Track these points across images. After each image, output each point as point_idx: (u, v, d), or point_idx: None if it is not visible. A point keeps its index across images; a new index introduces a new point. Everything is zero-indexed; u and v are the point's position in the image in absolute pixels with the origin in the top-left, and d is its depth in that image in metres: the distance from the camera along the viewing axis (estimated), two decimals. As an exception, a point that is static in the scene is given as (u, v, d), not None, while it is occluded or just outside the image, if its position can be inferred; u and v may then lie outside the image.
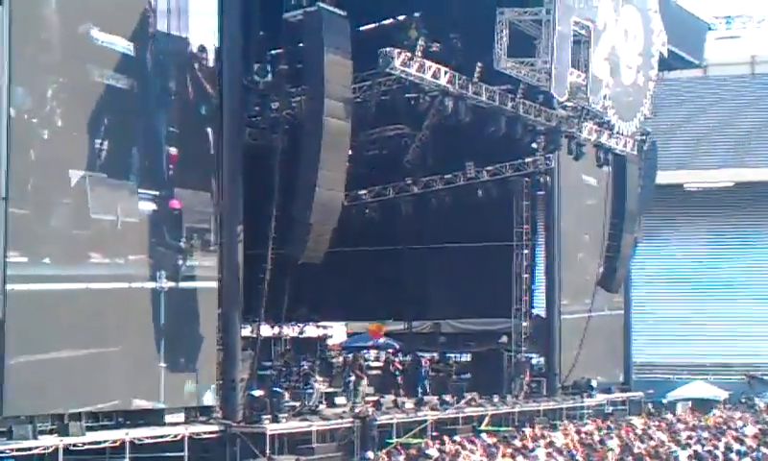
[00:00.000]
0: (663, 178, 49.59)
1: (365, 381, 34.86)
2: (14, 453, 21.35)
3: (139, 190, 25.56)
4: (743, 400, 48.49)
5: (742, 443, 29.51)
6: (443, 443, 28.49)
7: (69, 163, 23.76)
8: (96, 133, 24.38)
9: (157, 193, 26.05)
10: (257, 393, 27.86)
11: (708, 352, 56.03)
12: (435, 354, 43.12)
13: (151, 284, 25.69)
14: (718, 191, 61.77)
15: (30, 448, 21.90)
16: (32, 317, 22.63)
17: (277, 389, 29.38)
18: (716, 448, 28.43)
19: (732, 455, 26.89)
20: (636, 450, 27.01)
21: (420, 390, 37.12)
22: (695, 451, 27.47)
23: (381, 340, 44.82)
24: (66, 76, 23.74)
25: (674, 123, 62.41)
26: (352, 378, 34.33)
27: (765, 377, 53.84)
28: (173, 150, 26.61)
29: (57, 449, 22.29)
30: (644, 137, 40.76)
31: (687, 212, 62.20)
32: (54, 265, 23.31)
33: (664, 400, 47.06)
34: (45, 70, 23.32)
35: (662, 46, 37.90)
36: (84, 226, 24.04)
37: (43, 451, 22.20)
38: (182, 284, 26.58)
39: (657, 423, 37.15)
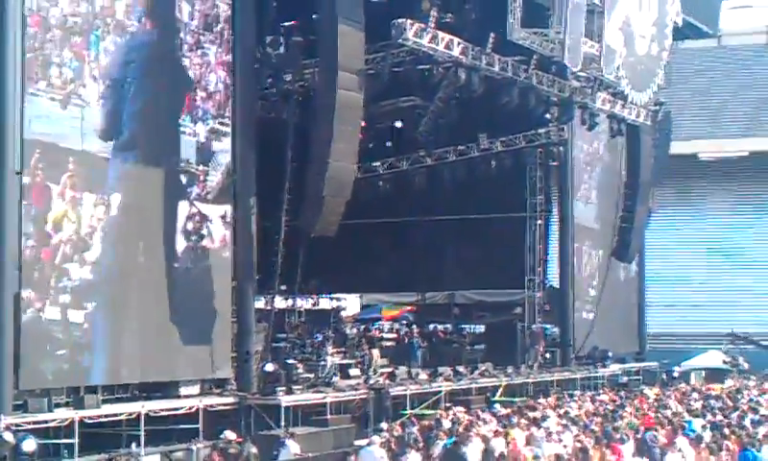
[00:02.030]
0: (678, 148, 49.45)
1: (378, 353, 34.95)
2: (30, 426, 21.43)
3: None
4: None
5: (756, 412, 29.50)
6: (456, 414, 28.57)
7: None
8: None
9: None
10: (269, 367, 27.91)
11: (723, 322, 55.94)
12: (448, 325, 43.26)
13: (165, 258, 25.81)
14: (733, 161, 61.51)
15: (46, 421, 22.01)
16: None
17: (291, 361, 29.48)
18: (730, 416, 28.46)
19: (746, 423, 26.89)
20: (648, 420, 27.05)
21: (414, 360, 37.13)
22: (709, 421, 27.49)
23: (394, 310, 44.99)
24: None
25: (688, 93, 62.10)
26: (366, 350, 34.42)
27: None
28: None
29: (72, 422, 22.40)
30: (658, 107, 40.60)
31: (702, 182, 61.98)
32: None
33: (677, 370, 46.91)
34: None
35: (677, 16, 37.74)
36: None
37: (59, 424, 22.31)
38: (197, 257, 26.70)
39: (670, 392, 37.17)
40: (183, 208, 26.66)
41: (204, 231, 27.01)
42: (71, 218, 23.59)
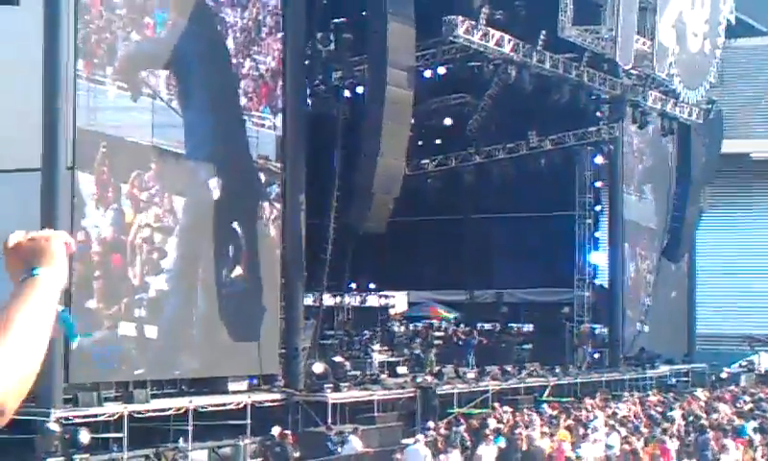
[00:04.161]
0: (729, 146, 48.88)
1: (433, 351, 34.85)
2: (80, 420, 21.56)
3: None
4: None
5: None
6: (502, 414, 28.46)
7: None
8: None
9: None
10: (318, 368, 27.85)
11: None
12: (497, 324, 43.14)
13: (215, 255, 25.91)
14: (785, 160, 60.70)
15: (95, 416, 22.12)
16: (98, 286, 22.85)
17: (338, 358, 29.45)
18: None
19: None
20: (700, 422, 26.78)
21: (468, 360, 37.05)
22: (760, 424, 27.20)
23: (443, 310, 44.88)
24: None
25: (741, 91, 61.43)
26: (417, 349, 34.35)
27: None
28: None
29: (122, 416, 22.49)
30: (710, 106, 40.20)
31: (754, 182, 61.25)
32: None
33: (726, 371, 46.39)
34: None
35: (729, 13, 37.37)
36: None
37: (108, 418, 22.42)
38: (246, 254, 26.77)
39: (720, 394, 36.80)
40: (264, 210, 26.86)
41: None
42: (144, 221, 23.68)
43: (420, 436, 23.57)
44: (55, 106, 21.82)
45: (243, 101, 26.82)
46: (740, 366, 46.70)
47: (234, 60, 26.65)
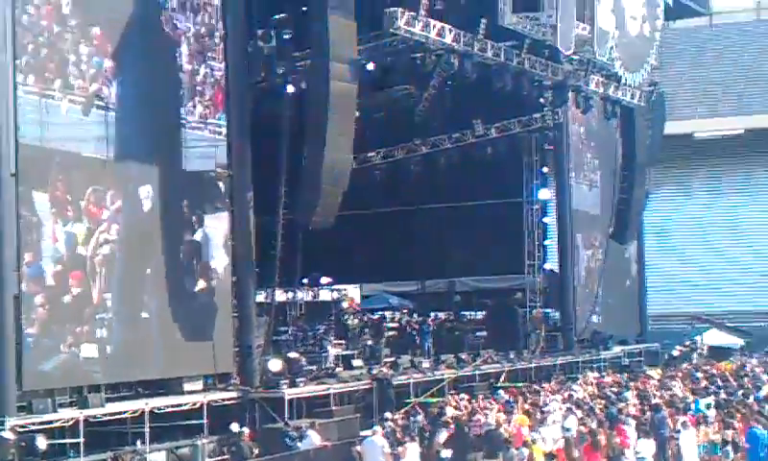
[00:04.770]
0: (672, 128, 49.39)
1: (383, 343, 34.96)
2: (36, 427, 21.44)
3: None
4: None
5: (759, 389, 29.56)
6: (459, 401, 28.65)
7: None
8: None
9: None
10: (276, 365, 27.86)
11: (723, 301, 56.02)
12: (451, 313, 43.31)
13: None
14: (728, 139, 61.48)
15: (50, 422, 22.01)
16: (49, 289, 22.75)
17: (292, 355, 29.47)
18: (734, 395, 28.52)
19: (751, 401, 26.95)
20: (653, 400, 27.10)
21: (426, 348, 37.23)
22: (714, 399, 27.55)
23: (395, 301, 44.97)
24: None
25: (681, 72, 62.10)
26: (369, 341, 34.41)
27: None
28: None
29: (77, 422, 22.39)
30: (652, 88, 40.57)
31: (698, 161, 61.96)
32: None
33: (678, 349, 46.90)
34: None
35: (667, -5, 37.73)
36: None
37: (64, 424, 22.31)
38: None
39: (673, 373, 37.22)
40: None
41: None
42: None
43: (377, 427, 23.65)
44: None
45: (200, 109, 26.77)
46: (684, 346, 47.11)
47: (189, 67, 26.58)
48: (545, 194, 43.79)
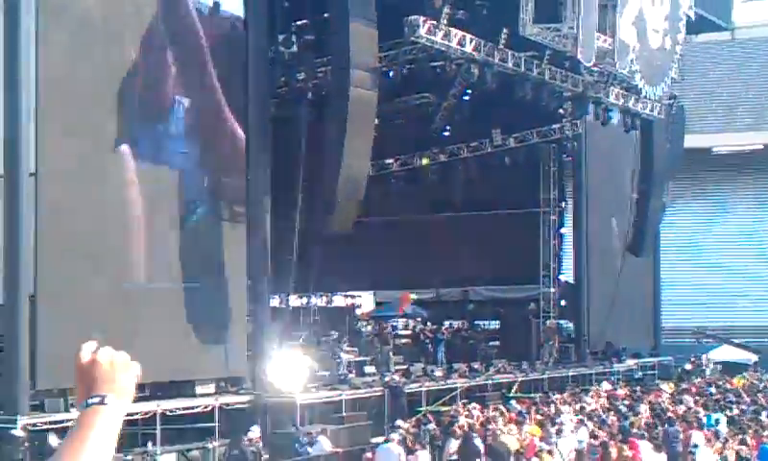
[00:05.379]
0: (691, 141, 49.26)
1: (391, 350, 34.95)
2: (47, 426, 21.50)
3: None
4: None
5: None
6: (471, 411, 28.59)
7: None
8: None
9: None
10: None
11: (738, 316, 55.79)
12: (464, 322, 43.25)
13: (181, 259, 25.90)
14: (747, 154, 61.27)
15: (62, 421, 22.05)
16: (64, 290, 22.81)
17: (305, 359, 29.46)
18: (746, 411, 28.42)
19: (763, 417, 26.85)
20: (667, 415, 27.02)
21: (439, 357, 37.18)
22: (726, 415, 27.46)
23: (409, 309, 44.93)
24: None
25: (702, 87, 61.92)
26: (380, 348, 34.38)
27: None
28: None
29: (89, 422, 22.34)
30: (672, 101, 40.51)
31: (716, 176, 61.75)
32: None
33: (690, 361, 46.59)
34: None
35: (689, 9, 37.66)
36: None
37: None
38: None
39: (687, 387, 37.10)
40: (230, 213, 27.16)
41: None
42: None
43: (393, 435, 23.63)
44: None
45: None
46: (690, 362, 46.73)
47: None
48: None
